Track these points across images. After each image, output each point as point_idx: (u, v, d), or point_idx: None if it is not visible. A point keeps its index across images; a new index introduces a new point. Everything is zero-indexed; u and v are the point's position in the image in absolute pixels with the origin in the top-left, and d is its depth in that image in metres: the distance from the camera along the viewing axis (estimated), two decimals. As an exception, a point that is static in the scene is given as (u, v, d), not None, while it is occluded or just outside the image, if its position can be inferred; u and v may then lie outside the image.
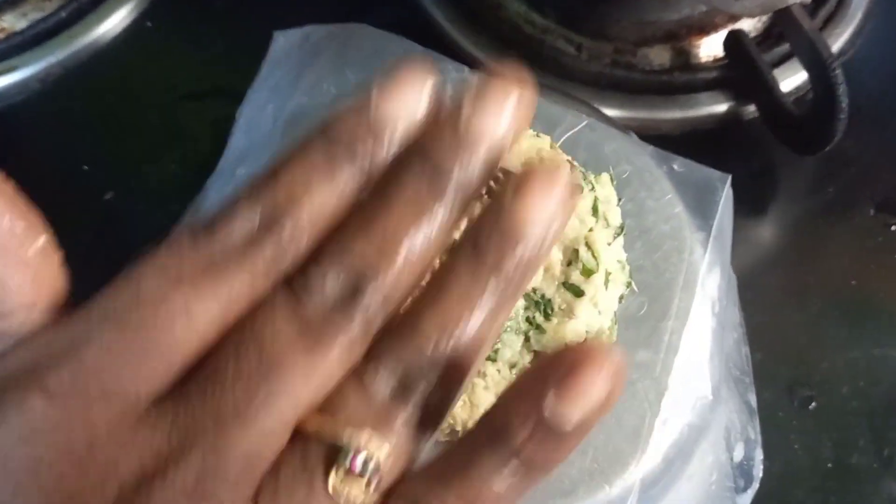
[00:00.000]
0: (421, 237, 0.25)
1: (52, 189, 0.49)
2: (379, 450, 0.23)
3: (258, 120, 0.39)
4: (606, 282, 0.35)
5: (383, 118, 0.27)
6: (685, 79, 0.54)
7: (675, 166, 0.36)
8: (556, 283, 0.35)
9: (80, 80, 0.54)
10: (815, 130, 0.49)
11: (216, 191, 0.39)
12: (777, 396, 0.46)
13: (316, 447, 0.23)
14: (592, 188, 0.36)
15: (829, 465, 0.45)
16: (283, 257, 0.25)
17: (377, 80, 0.27)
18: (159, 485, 0.22)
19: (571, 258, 0.35)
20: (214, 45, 0.56)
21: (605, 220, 0.36)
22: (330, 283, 0.24)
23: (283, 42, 0.41)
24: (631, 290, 0.35)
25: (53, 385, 0.22)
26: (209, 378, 0.23)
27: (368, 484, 0.23)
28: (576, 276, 0.35)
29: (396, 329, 0.25)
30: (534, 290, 0.35)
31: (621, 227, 0.36)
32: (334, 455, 0.23)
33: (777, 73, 0.53)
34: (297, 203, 0.25)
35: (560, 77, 0.53)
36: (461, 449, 0.24)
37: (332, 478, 0.23)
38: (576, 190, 0.28)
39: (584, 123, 0.36)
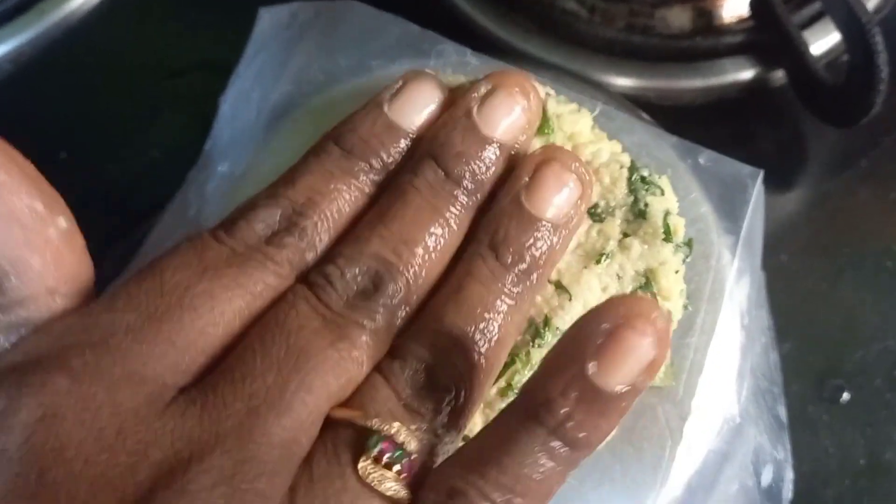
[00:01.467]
0: (438, 234, 0.26)
1: None
2: (408, 442, 0.23)
3: (242, 110, 0.36)
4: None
5: (396, 127, 0.28)
6: (707, 44, 0.50)
7: (701, 160, 0.33)
8: None
9: (56, 59, 0.51)
10: (851, 101, 0.45)
11: (198, 186, 0.36)
12: (806, 389, 0.43)
13: (347, 438, 0.23)
14: (662, 193, 0.31)
15: (862, 461, 0.42)
16: (303, 256, 0.26)
17: (388, 89, 0.28)
18: (195, 470, 0.21)
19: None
20: (199, 16, 0.52)
21: (673, 240, 0.31)
22: (350, 278, 0.25)
23: (269, 21, 0.38)
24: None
25: (77, 366, 0.22)
26: (238, 367, 0.23)
27: (399, 474, 0.23)
28: None
29: (421, 325, 0.25)
30: None
31: (690, 244, 0.32)
32: (364, 445, 0.23)
33: (807, 34, 0.49)
34: (317, 206, 0.26)
35: (571, 45, 0.49)
36: (496, 430, 0.23)
37: (363, 466, 0.22)
38: (589, 183, 0.28)
39: (597, 111, 0.32)
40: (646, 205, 0.31)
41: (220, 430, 0.22)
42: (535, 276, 0.26)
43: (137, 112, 0.49)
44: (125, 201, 0.46)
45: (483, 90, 0.28)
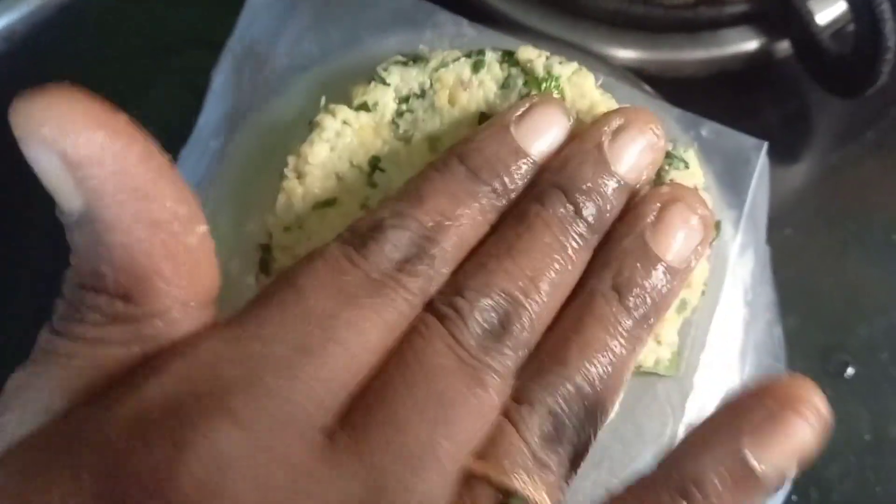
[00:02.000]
0: (562, 272, 0.26)
1: (20, 157, 0.47)
2: (537, 493, 0.23)
3: (233, 85, 0.36)
4: (681, 308, 0.30)
5: (522, 152, 0.27)
6: (710, 14, 0.49)
7: (704, 132, 0.32)
8: None
9: (48, 37, 0.50)
10: (857, 71, 0.45)
11: (190, 164, 0.36)
12: (810, 364, 0.43)
13: (487, 494, 0.23)
14: (686, 166, 0.30)
15: (867, 437, 0.42)
16: (431, 283, 0.25)
17: (514, 110, 0.28)
18: None
19: None
20: (194, -10, 0.52)
21: None
22: (479, 314, 0.24)
23: (262, -7, 0.37)
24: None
25: (240, 409, 0.21)
26: (384, 410, 0.23)
27: None
28: None
29: (542, 367, 0.25)
30: None
31: (718, 226, 0.31)
32: (503, 500, 0.22)
33: (812, 3, 0.48)
34: (446, 232, 0.25)
35: (571, 16, 0.48)
36: (639, 496, 0.22)
37: None
38: (711, 227, 0.28)
39: (599, 82, 0.31)
40: (671, 181, 0.30)
41: (376, 485, 0.21)
42: (652, 319, 0.26)
43: (131, 88, 0.48)
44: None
45: (615, 124, 0.28)
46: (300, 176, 0.30)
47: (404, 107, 0.31)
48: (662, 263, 0.26)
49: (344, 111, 0.31)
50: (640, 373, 0.30)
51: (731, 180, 0.32)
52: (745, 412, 0.21)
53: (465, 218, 0.26)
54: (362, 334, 0.23)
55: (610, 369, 0.25)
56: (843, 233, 0.47)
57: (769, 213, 0.47)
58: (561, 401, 0.24)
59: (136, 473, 0.20)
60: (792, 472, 0.21)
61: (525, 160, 0.27)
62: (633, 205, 0.28)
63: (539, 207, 0.26)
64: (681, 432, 0.29)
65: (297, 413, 0.22)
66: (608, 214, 0.27)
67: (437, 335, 0.24)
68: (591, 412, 0.24)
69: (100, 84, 0.49)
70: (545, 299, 0.25)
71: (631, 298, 0.26)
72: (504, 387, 0.24)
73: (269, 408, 0.21)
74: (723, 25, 0.49)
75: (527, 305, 0.25)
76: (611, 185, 0.27)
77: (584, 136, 0.28)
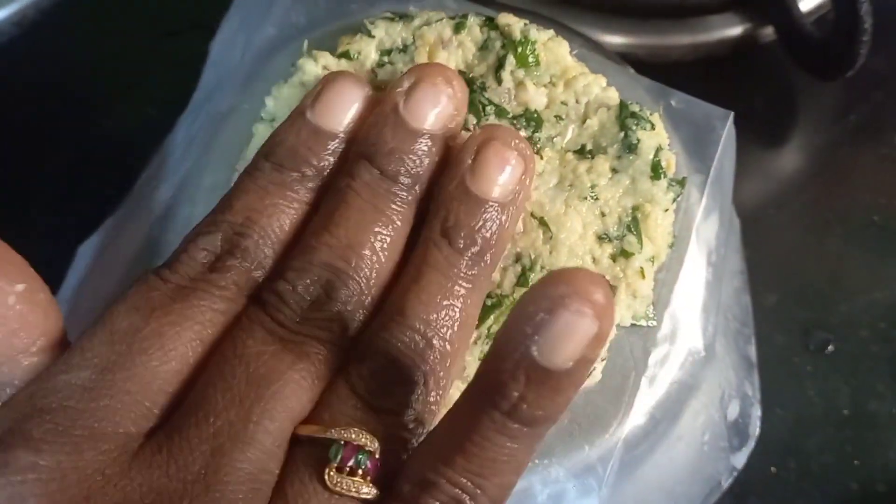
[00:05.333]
0: (384, 233, 0.26)
1: (29, 134, 0.49)
2: (369, 442, 0.23)
3: (227, 54, 0.37)
4: (653, 259, 0.31)
5: (322, 131, 0.28)
6: (697, 0, 0.50)
7: (673, 102, 0.33)
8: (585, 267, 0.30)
9: (58, 21, 0.52)
10: (837, 54, 0.45)
11: (185, 128, 0.37)
12: (792, 341, 0.44)
13: (312, 454, 0.23)
14: (653, 127, 0.31)
15: (846, 412, 0.43)
16: (250, 275, 0.26)
17: (308, 95, 0.28)
18: None
19: (617, 233, 0.30)
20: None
21: (665, 175, 0.31)
22: (302, 291, 0.25)
23: (255, -32, 0.38)
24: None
25: (38, 434, 0.22)
26: (201, 406, 0.23)
27: (365, 476, 0.23)
28: (606, 259, 0.30)
29: (383, 319, 0.25)
30: None
31: (682, 182, 0.31)
32: (327, 457, 0.23)
33: (796, -10, 0.49)
34: (256, 224, 0.26)
35: (561, 1, 0.50)
36: (457, 417, 0.23)
37: (329, 477, 0.22)
38: (531, 157, 0.28)
39: (574, 53, 0.32)
40: (637, 140, 0.31)
41: (188, 477, 0.22)
42: (488, 256, 0.27)
43: (134, 70, 0.50)
44: (122, 155, 0.47)
45: (406, 84, 0.28)
46: (273, 119, 0.31)
47: (386, 59, 0.32)
48: (487, 202, 0.27)
49: (325, 57, 0.32)
50: (619, 327, 0.31)
51: (699, 147, 0.32)
52: (527, 316, 0.21)
53: (276, 207, 0.26)
54: (170, 339, 0.24)
55: (450, 310, 0.25)
56: (825, 213, 0.47)
57: (752, 193, 0.48)
58: (400, 346, 0.24)
59: None
60: (590, 359, 0.21)
61: (328, 138, 0.28)
62: (452, 152, 0.28)
63: (348, 179, 0.27)
64: (643, 385, 0.30)
65: (104, 426, 0.22)
66: (419, 170, 0.27)
67: (258, 323, 0.25)
68: (438, 352, 0.25)
69: (104, 67, 0.51)
70: (370, 262, 0.26)
71: (461, 240, 0.26)
72: (333, 351, 0.25)
73: (68, 429, 0.22)
74: (709, 11, 0.50)
75: (350, 273, 0.25)
76: (413, 142, 0.27)
77: (382, 101, 0.28)
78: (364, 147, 0.27)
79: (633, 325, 0.31)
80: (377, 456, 0.23)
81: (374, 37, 0.32)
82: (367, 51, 0.32)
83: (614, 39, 0.49)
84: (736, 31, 0.50)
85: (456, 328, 0.25)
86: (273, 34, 0.35)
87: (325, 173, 0.28)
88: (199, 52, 0.40)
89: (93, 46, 0.52)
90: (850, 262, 0.46)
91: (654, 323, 0.31)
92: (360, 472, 0.23)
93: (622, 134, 0.31)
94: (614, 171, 0.31)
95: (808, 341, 0.44)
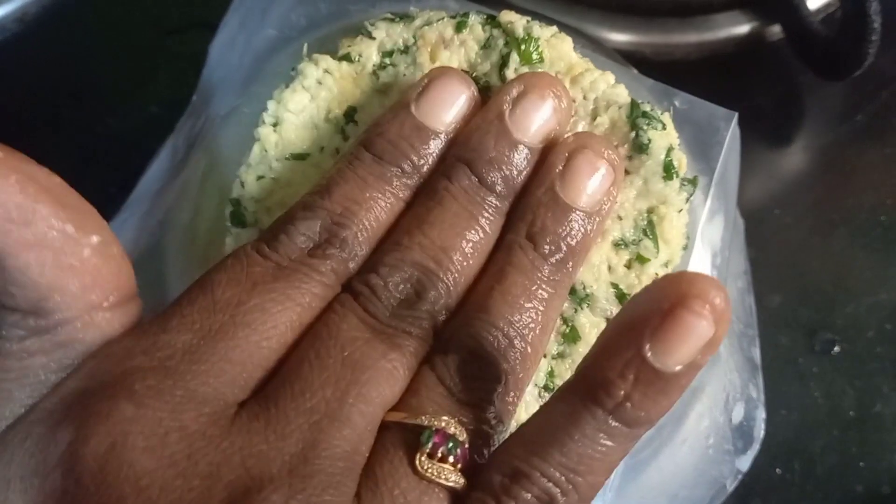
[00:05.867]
0: (474, 239, 0.27)
1: (31, 132, 0.49)
2: (459, 432, 0.23)
3: (227, 55, 0.37)
4: (667, 264, 0.30)
5: (424, 128, 0.28)
6: (703, -2, 0.50)
7: (677, 102, 0.33)
8: (601, 276, 0.30)
9: (59, 18, 0.52)
10: (844, 53, 0.45)
11: (186, 131, 0.37)
12: (797, 342, 0.44)
13: (402, 439, 0.23)
14: (664, 127, 0.31)
15: (851, 413, 0.42)
16: (345, 266, 0.26)
17: (413, 88, 0.29)
18: (268, 489, 0.22)
19: (633, 237, 0.30)
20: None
21: (677, 175, 0.30)
22: (393, 287, 0.25)
23: (255, -31, 0.38)
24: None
25: (141, 390, 0.22)
26: (296, 381, 0.23)
27: (455, 464, 0.23)
28: (622, 266, 0.30)
29: (466, 317, 0.26)
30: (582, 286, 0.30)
31: (695, 181, 0.31)
32: (418, 442, 0.23)
33: (803, -12, 0.49)
34: (354, 216, 0.26)
35: (566, 1, 0.49)
36: (555, 411, 0.23)
37: (419, 462, 0.23)
38: (621, 168, 0.28)
39: (576, 52, 0.32)
40: (649, 140, 0.30)
41: (286, 447, 0.22)
42: (571, 263, 0.27)
43: (136, 69, 0.50)
44: (125, 154, 0.47)
45: (515, 93, 0.28)
46: (276, 124, 0.31)
47: (387, 60, 0.32)
48: (574, 210, 0.27)
49: (326, 60, 0.32)
50: None
51: (703, 148, 0.32)
52: (644, 315, 0.21)
53: (374, 201, 0.27)
54: (272, 316, 0.24)
55: (532, 313, 0.26)
56: (831, 213, 0.47)
57: (758, 193, 0.47)
58: (484, 343, 0.25)
59: (51, 461, 0.21)
60: (699, 364, 0.21)
61: (430, 136, 0.28)
62: (543, 159, 0.28)
63: (446, 182, 0.27)
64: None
65: (205, 390, 0.23)
66: (515, 181, 0.28)
67: (351, 311, 0.25)
68: (518, 354, 0.25)
69: (108, 65, 0.51)
70: (459, 267, 0.26)
71: (546, 246, 0.26)
72: (421, 344, 0.25)
73: (170, 388, 0.22)
74: (715, 9, 0.50)
75: (440, 274, 0.26)
76: (514, 152, 0.28)
77: (487, 106, 0.28)
78: (465, 151, 0.28)
79: None
80: (466, 446, 0.23)
81: (374, 38, 0.32)
82: (369, 53, 0.32)
83: (620, 37, 0.49)
84: (742, 29, 0.50)
85: (538, 331, 0.26)
86: (273, 35, 0.35)
87: (423, 171, 0.28)
88: (203, 51, 0.40)
89: (96, 44, 0.52)
90: (855, 262, 0.46)
91: None
92: (450, 459, 0.23)
93: (633, 134, 0.30)
94: (626, 172, 0.30)
95: (814, 342, 0.44)
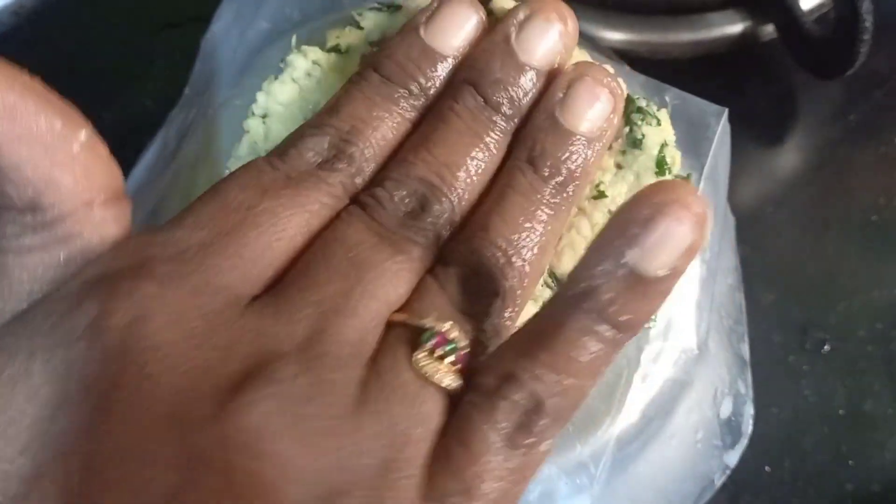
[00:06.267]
0: (478, 158, 0.27)
1: None
2: (459, 338, 0.24)
3: (220, 48, 0.37)
4: None
5: (431, 51, 0.29)
6: (698, -3, 0.50)
7: (668, 98, 0.33)
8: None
9: (55, 11, 0.52)
10: (837, 52, 0.45)
11: (178, 123, 0.37)
12: (788, 340, 0.44)
13: (405, 337, 0.24)
14: (659, 123, 0.31)
15: (841, 411, 0.42)
16: (352, 180, 0.27)
17: (423, 12, 0.29)
18: (279, 362, 0.23)
19: None
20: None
21: (670, 172, 0.31)
22: (399, 200, 0.26)
23: (249, -38, 0.38)
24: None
25: (161, 273, 0.23)
26: (304, 277, 0.24)
27: (452, 365, 0.24)
28: None
29: (467, 234, 0.26)
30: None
31: (689, 178, 0.31)
32: (419, 343, 0.24)
33: (797, -12, 0.49)
34: (361, 133, 0.27)
35: (562, -2, 0.49)
36: (544, 317, 0.24)
37: (417, 359, 0.24)
38: (621, 97, 0.29)
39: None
40: (643, 135, 0.31)
41: (296, 331, 0.23)
42: (571, 187, 0.27)
43: (132, 63, 0.50)
44: (119, 148, 0.47)
45: (521, 16, 0.29)
46: (266, 115, 0.31)
47: (375, 50, 0.32)
48: (574, 135, 0.28)
49: (315, 52, 0.32)
50: None
51: (693, 144, 0.32)
52: (626, 223, 0.22)
53: (381, 120, 0.28)
54: (283, 219, 0.25)
55: (531, 233, 0.26)
56: (824, 212, 0.47)
57: (751, 191, 0.47)
58: (484, 260, 0.26)
59: (75, 332, 0.22)
60: (680, 269, 0.22)
61: (438, 59, 0.29)
62: (548, 84, 0.29)
63: (452, 102, 0.28)
64: (636, 382, 0.30)
65: (219, 280, 0.24)
66: (520, 102, 0.28)
67: (358, 218, 0.26)
68: (517, 271, 0.26)
69: (103, 59, 0.51)
70: (463, 184, 0.27)
71: (546, 168, 0.27)
72: (426, 254, 0.26)
73: (191, 274, 0.23)
74: (709, 8, 0.50)
75: (444, 190, 0.27)
76: (519, 74, 0.28)
77: (494, 30, 0.29)
78: (471, 73, 0.28)
79: None
80: (464, 352, 0.24)
81: (362, 28, 0.32)
82: (357, 44, 0.32)
83: (615, 36, 0.49)
84: (736, 28, 0.50)
85: (535, 250, 0.26)
86: (266, 28, 0.35)
87: (430, 93, 0.29)
88: (198, 45, 0.40)
89: (91, 38, 0.52)
90: (848, 261, 0.46)
91: (654, 322, 0.31)
92: (447, 361, 0.24)
93: (627, 129, 0.31)
94: (619, 166, 0.31)
95: (805, 340, 0.44)
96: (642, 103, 0.31)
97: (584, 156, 0.28)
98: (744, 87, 0.50)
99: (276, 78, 0.31)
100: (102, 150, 0.24)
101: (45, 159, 0.23)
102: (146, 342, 0.22)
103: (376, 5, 0.33)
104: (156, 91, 0.49)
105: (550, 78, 0.29)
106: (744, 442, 0.35)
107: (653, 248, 0.22)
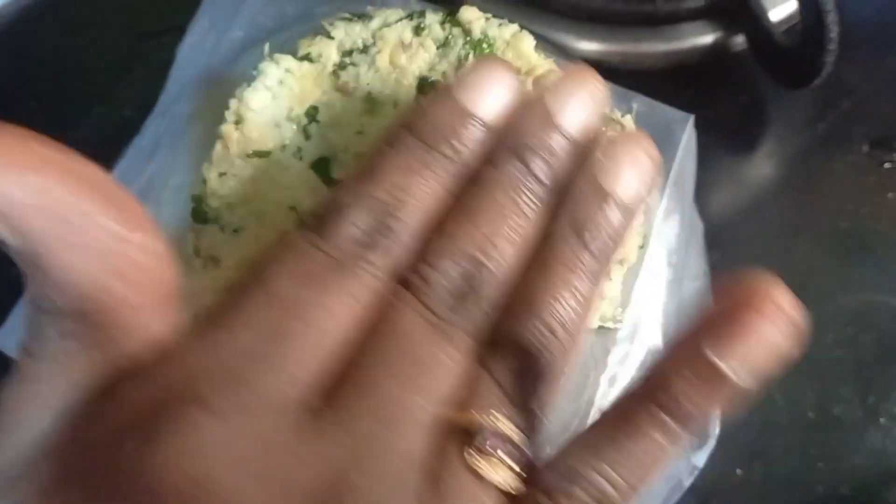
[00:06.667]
0: (521, 230, 0.27)
1: None
2: (512, 432, 0.23)
3: (195, 56, 0.37)
4: (622, 262, 0.31)
5: (468, 114, 0.28)
6: (669, 8, 0.51)
7: (635, 105, 0.34)
8: None
9: (35, 19, 0.52)
10: (805, 63, 0.46)
11: (152, 130, 0.37)
12: (758, 345, 0.44)
13: (459, 438, 0.23)
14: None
15: (811, 415, 0.43)
16: (396, 257, 0.26)
17: (459, 76, 0.28)
18: (344, 494, 0.21)
19: None
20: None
21: None
22: (446, 278, 0.25)
23: (224, -29, 0.39)
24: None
25: (209, 397, 0.22)
26: (358, 379, 0.23)
27: (509, 464, 0.23)
28: None
29: (514, 311, 0.26)
30: None
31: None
32: (472, 442, 0.23)
33: (766, 1, 0.50)
34: (403, 205, 0.26)
35: (534, 8, 0.50)
36: (613, 413, 0.23)
37: (471, 462, 0.23)
38: (658, 161, 0.29)
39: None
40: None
41: (357, 446, 0.22)
42: (609, 255, 0.27)
43: (110, 72, 0.50)
44: (97, 157, 0.47)
45: (561, 86, 0.29)
46: (238, 122, 0.31)
47: (347, 60, 0.33)
48: (613, 198, 0.27)
49: (287, 60, 0.32)
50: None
51: (659, 150, 0.33)
52: (706, 317, 0.22)
53: (420, 188, 0.27)
54: (330, 312, 0.24)
55: (575, 305, 0.26)
56: (794, 219, 0.48)
57: (722, 200, 0.48)
58: (531, 338, 0.25)
59: (118, 474, 0.21)
60: (766, 370, 0.22)
61: (473, 122, 0.28)
62: (587, 152, 0.29)
63: (491, 169, 0.27)
64: (603, 384, 0.30)
65: (271, 394, 0.22)
66: (559, 170, 0.28)
67: (407, 303, 0.25)
68: (562, 346, 0.25)
69: (82, 68, 0.51)
70: (505, 255, 0.26)
71: (587, 234, 0.27)
72: (475, 340, 0.25)
73: (239, 392, 0.22)
74: (681, 20, 0.51)
75: (487, 263, 0.26)
76: (557, 139, 0.28)
77: (534, 98, 0.29)
78: (511, 141, 0.28)
79: (600, 326, 0.31)
80: (520, 445, 0.24)
81: (333, 38, 0.33)
82: (328, 52, 0.32)
83: (588, 46, 0.50)
84: (708, 39, 0.51)
85: (578, 322, 0.26)
86: (241, 37, 0.35)
87: (467, 158, 0.28)
88: (175, 52, 0.41)
89: (70, 47, 0.52)
90: (817, 267, 0.47)
91: (621, 325, 0.31)
92: (504, 459, 0.23)
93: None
94: None
95: (775, 346, 0.44)
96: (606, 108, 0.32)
97: (621, 221, 0.27)
98: (714, 96, 0.50)
99: (248, 85, 0.32)
100: (160, 246, 0.23)
101: (97, 264, 0.21)
102: (203, 482, 0.20)
103: (347, 15, 0.33)
104: (135, 100, 0.49)
105: (588, 144, 0.29)
106: (711, 443, 0.35)
107: (734, 341, 0.21)
